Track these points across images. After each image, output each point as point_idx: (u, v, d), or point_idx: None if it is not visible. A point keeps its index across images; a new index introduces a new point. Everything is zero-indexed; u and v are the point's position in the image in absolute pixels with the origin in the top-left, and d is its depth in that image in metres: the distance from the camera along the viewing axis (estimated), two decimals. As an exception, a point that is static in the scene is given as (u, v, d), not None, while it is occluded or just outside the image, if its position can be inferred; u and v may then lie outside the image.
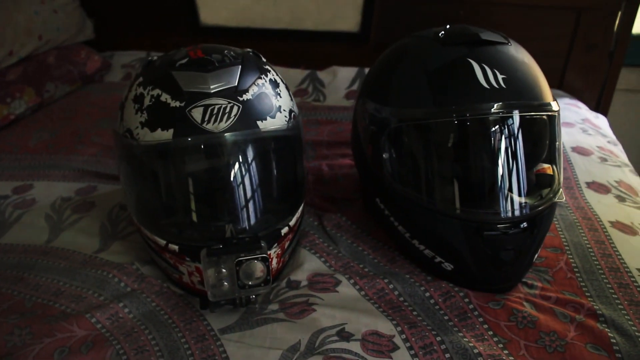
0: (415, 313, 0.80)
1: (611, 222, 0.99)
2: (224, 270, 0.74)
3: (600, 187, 1.10)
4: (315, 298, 0.83)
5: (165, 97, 0.77)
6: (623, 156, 1.26)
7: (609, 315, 0.77)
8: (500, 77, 0.78)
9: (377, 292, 0.84)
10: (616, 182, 1.12)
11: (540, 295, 0.83)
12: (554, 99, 0.83)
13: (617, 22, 1.43)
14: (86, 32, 1.67)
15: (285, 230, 0.83)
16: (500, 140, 0.79)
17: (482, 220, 0.79)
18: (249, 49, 0.91)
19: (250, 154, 0.80)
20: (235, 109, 0.76)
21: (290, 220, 0.85)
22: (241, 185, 0.79)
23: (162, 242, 0.80)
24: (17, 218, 1.04)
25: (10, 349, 0.73)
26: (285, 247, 0.86)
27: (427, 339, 0.75)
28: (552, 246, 0.93)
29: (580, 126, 1.33)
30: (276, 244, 0.82)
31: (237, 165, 0.79)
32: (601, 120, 1.43)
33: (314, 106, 1.55)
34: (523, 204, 0.80)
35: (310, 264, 0.89)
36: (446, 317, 0.79)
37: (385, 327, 0.77)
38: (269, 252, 0.78)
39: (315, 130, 1.38)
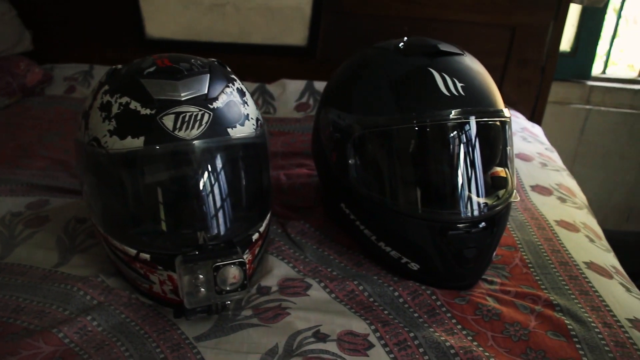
0: (386, 312, 0.82)
1: (556, 221, 1.07)
2: (200, 276, 0.74)
3: (543, 190, 1.19)
4: (288, 302, 0.83)
5: (134, 104, 0.76)
6: (559, 161, 1.35)
7: (564, 304, 0.83)
8: (459, 85, 0.83)
9: (347, 294, 0.85)
10: (557, 184, 1.21)
11: (500, 290, 0.88)
12: (506, 107, 0.90)
13: (547, 39, 1.56)
14: (24, 43, 1.60)
15: (256, 236, 0.84)
16: (459, 145, 0.83)
17: (446, 221, 0.84)
18: (213, 59, 0.91)
19: (221, 161, 0.80)
20: (206, 116, 0.77)
21: (260, 226, 0.86)
22: (213, 192, 0.79)
23: (133, 251, 0.78)
24: (-37, 235, 0.98)
25: (-30, 371, 0.69)
26: (256, 253, 0.86)
27: (400, 335, 0.77)
28: (506, 245, 0.99)
29: (521, 134, 1.42)
30: (247, 250, 0.82)
31: (208, 173, 0.79)
32: (537, 130, 1.53)
33: (266, 118, 1.56)
34: (482, 205, 0.85)
35: (280, 269, 0.90)
36: (416, 315, 0.82)
37: (360, 326, 0.79)
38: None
39: (269, 141, 1.39)
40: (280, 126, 1.50)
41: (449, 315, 0.82)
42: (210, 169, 0.79)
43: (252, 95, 1.73)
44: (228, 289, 0.75)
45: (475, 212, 0.85)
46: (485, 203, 0.86)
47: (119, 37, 1.65)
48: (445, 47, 0.88)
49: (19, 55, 1.57)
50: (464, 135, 0.84)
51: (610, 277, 0.93)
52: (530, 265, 0.94)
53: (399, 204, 0.85)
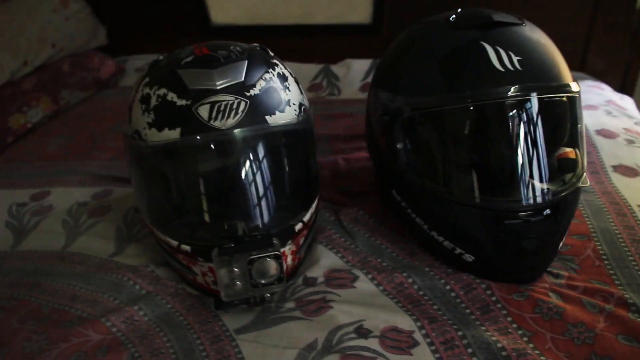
0: (435, 307, 0.77)
1: (639, 206, 0.95)
2: (236, 269, 0.73)
3: (627, 170, 1.06)
4: (332, 295, 0.81)
5: (171, 95, 0.75)
6: (650, 138, 1.20)
7: (641, 304, 0.74)
8: (515, 59, 0.74)
9: (396, 287, 0.81)
10: (645, 164, 1.08)
11: (566, 284, 0.80)
12: (574, 80, 0.80)
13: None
14: (99, 38, 1.68)
15: (299, 226, 0.81)
16: (519, 125, 0.75)
17: (503, 209, 0.76)
18: (256, 44, 0.89)
19: (260, 150, 0.78)
20: (242, 104, 0.75)
21: (304, 216, 0.83)
22: (252, 183, 0.78)
23: (175, 243, 0.79)
24: (35, 225, 1.05)
25: (27, 355, 0.73)
26: (300, 243, 0.84)
27: (448, 333, 0.72)
28: (578, 233, 0.89)
29: (605, 108, 1.28)
30: (290, 241, 0.80)
31: (247, 162, 0.77)
32: (627, 102, 1.37)
33: (329, 100, 1.53)
34: (545, 191, 0.77)
35: (327, 259, 0.87)
36: (468, 311, 0.76)
37: (405, 322, 0.75)
38: (283, 249, 0.77)
39: (330, 124, 1.36)
40: (344, 108, 1.46)
41: (504, 312, 0.75)
42: (248, 158, 0.77)
43: (316, 77, 1.75)
44: (264, 282, 0.74)
45: (538, 199, 0.77)
46: (548, 189, 0.77)
47: (186, 26, 1.68)
48: (500, 17, 0.80)
49: (94, 50, 1.65)
50: (523, 114, 0.76)
51: None
52: (604, 256, 0.84)
53: (451, 191, 0.79)
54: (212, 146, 0.76)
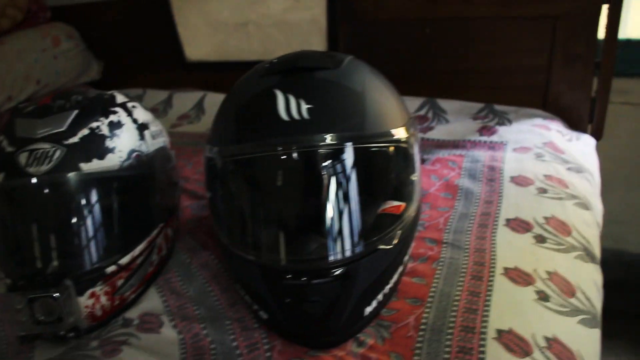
0: (214, 364, 0.74)
1: (506, 269, 0.84)
2: (19, 306, 0.77)
3: (520, 225, 0.94)
4: (135, 338, 0.81)
5: (5, 143, 0.82)
6: (580, 186, 1.05)
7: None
8: (304, 107, 0.70)
9: (193, 337, 0.80)
10: (545, 218, 0.95)
11: (362, 355, 0.73)
12: (403, 125, 0.75)
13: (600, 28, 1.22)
14: (91, 73, 1.83)
15: (112, 269, 0.83)
16: (289, 178, 0.71)
17: (274, 267, 0.72)
18: (112, 91, 0.94)
19: (70, 196, 0.81)
20: (58, 152, 0.79)
21: (121, 259, 0.84)
22: (54, 227, 0.81)
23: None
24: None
25: None
26: (118, 285, 0.85)
27: (202, 393, 0.69)
28: (414, 297, 0.81)
29: (537, 151, 1.14)
30: (101, 283, 0.82)
31: (52, 207, 0.81)
32: (577, 143, 1.21)
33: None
34: (333, 250, 0.71)
35: (149, 302, 0.88)
36: (243, 371, 0.73)
37: (173, 376, 0.73)
38: (92, 290, 0.81)
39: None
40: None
41: (272, 378, 0.70)
42: (55, 203, 0.81)
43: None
44: (45, 320, 0.77)
45: (320, 260, 0.71)
46: (334, 248, 0.71)
47: (166, 62, 1.78)
48: (311, 62, 0.76)
49: (83, 84, 1.80)
50: (297, 167, 0.71)
51: (525, 355, 0.70)
52: (423, 326, 0.75)
53: (234, 244, 0.76)
54: (24, 190, 0.80)
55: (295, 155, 0.69)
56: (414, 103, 1.37)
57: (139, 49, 1.80)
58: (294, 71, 0.74)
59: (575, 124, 1.31)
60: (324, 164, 0.70)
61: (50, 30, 1.72)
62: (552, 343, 0.73)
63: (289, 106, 0.70)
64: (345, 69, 0.77)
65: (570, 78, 1.28)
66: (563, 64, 1.27)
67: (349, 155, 0.70)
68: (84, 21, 1.84)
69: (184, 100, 1.67)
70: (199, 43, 1.68)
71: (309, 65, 0.75)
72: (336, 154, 0.70)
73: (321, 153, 0.70)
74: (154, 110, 1.66)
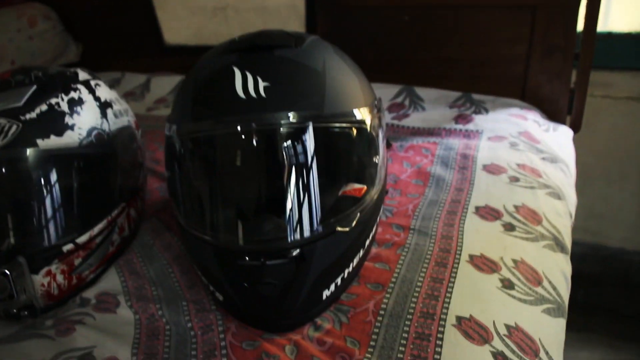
0: (167, 344, 0.73)
1: (471, 257, 0.82)
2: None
3: (489, 213, 0.92)
4: (90, 317, 0.79)
5: None
6: (553, 176, 1.04)
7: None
8: (262, 85, 0.68)
9: (148, 317, 0.78)
10: (515, 206, 0.93)
11: (317, 339, 0.71)
12: (366, 106, 0.73)
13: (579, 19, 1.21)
14: (69, 55, 1.80)
15: (69, 247, 0.81)
16: (245, 158, 0.69)
17: (230, 248, 0.70)
18: (74, 68, 0.92)
19: (25, 172, 0.79)
20: (14, 127, 0.77)
21: (78, 237, 0.82)
22: (11, 205, 0.79)
23: None
24: None
25: None
26: (76, 264, 0.84)
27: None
28: (376, 282, 0.79)
29: (512, 140, 1.12)
30: (57, 261, 0.81)
31: (8, 184, 0.79)
32: (554, 134, 1.20)
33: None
34: (289, 231, 0.69)
35: (108, 282, 0.86)
36: (194, 352, 0.71)
37: (125, 356, 0.71)
38: (48, 268, 0.79)
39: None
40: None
41: (223, 360, 0.69)
42: (8, 179, 0.79)
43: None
44: (-2, 297, 0.75)
45: (273, 241, 0.69)
46: (289, 230, 0.69)
47: (145, 46, 1.75)
48: (271, 40, 0.74)
49: (61, 66, 1.76)
50: (256, 146, 0.69)
51: (484, 342, 0.68)
52: (382, 311, 0.74)
53: (188, 223, 0.74)
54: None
55: (249, 133, 0.67)
56: (391, 90, 1.35)
57: (119, 32, 1.77)
58: (254, 49, 0.73)
59: (554, 115, 1.30)
60: (280, 143, 0.68)
61: (26, 9, 1.69)
62: (513, 331, 0.72)
63: (246, 84, 0.68)
64: (307, 48, 0.75)
65: (549, 69, 1.26)
66: (542, 55, 1.26)
67: (307, 135, 0.68)
68: (63, 3, 1.81)
69: (162, 84, 1.65)
70: (177, 27, 1.66)
71: (269, 43, 0.73)
72: (294, 133, 0.69)
73: (277, 131, 0.68)
74: (131, 94, 1.65)
